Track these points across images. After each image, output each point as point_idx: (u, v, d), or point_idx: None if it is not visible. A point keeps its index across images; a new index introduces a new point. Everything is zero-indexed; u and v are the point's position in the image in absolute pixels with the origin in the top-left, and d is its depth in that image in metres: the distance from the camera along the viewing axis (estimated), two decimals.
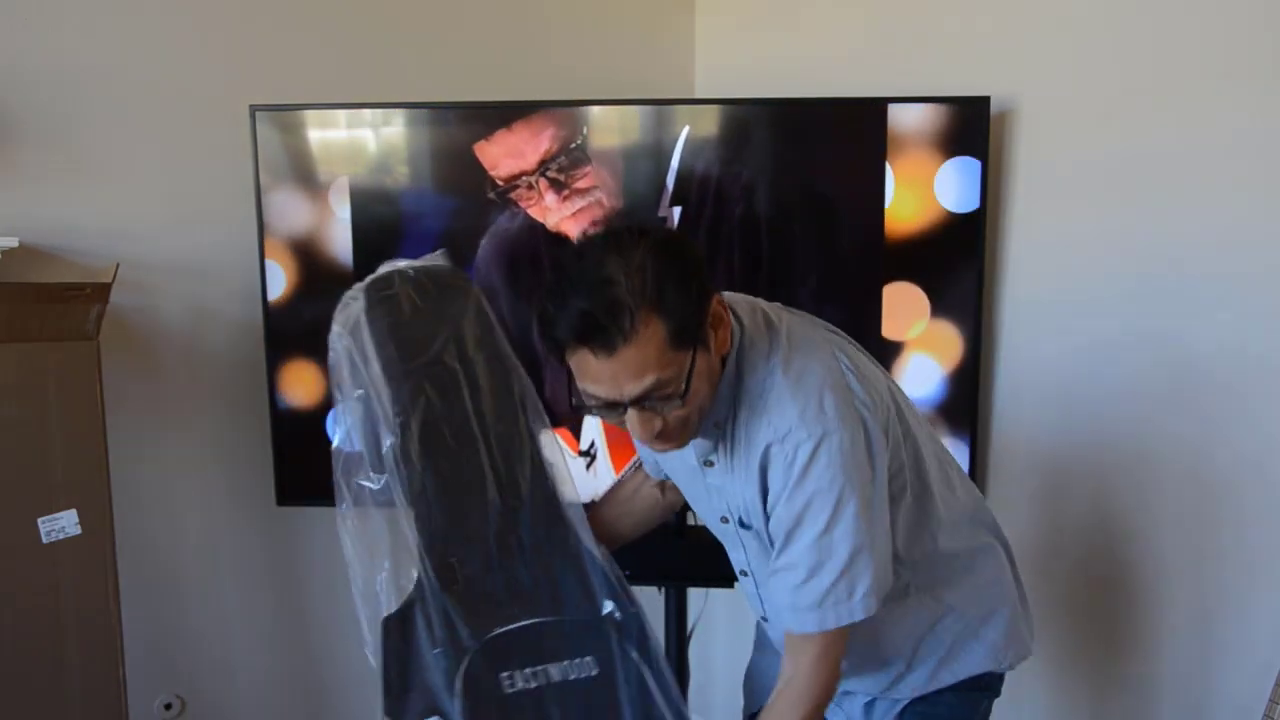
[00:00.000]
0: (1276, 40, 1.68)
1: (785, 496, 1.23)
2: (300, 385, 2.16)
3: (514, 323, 2.15)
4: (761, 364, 1.26)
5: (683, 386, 1.16)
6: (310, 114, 2.09)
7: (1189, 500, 1.86)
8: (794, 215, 2.11)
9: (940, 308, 2.06)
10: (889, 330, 2.07)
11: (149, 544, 2.18)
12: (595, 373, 1.15)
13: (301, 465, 2.16)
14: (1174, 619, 1.91)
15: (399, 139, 2.13)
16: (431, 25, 2.34)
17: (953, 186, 2.03)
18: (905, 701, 1.46)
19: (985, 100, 1.99)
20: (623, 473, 1.73)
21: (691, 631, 2.17)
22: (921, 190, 2.04)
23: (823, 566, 1.23)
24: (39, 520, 1.85)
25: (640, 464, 1.63)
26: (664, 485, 1.60)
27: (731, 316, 1.27)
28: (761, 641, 1.66)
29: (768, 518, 1.27)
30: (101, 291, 1.91)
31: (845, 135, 2.07)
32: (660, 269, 1.14)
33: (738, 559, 1.44)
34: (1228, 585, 1.83)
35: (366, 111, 2.11)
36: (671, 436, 1.23)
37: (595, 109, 2.10)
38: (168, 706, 2.27)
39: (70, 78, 2.04)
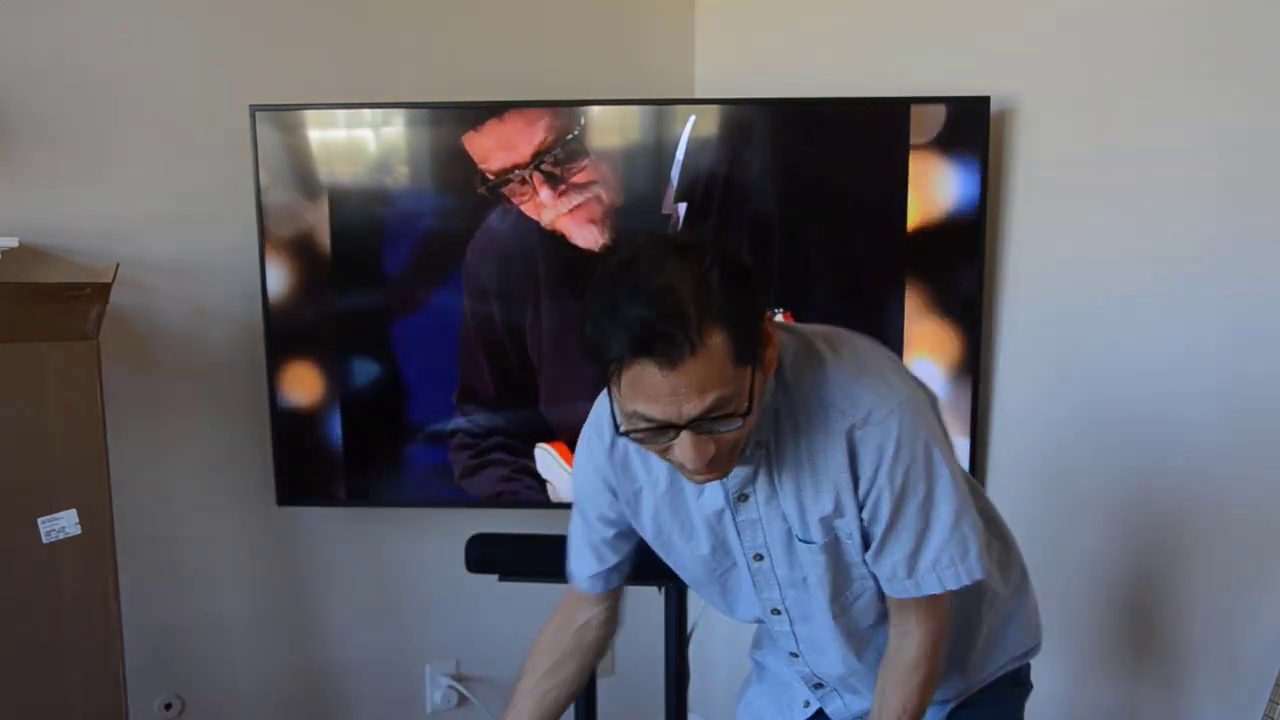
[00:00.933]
0: (1278, 40, 1.68)
1: (885, 474, 1.19)
2: (300, 385, 2.16)
3: (509, 323, 2.15)
4: (807, 369, 1.21)
5: (745, 404, 1.08)
6: (310, 114, 2.09)
7: (1191, 499, 1.86)
8: (794, 215, 2.11)
9: (940, 307, 2.06)
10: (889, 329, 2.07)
11: (149, 544, 2.18)
12: (654, 389, 1.04)
13: (301, 465, 2.17)
14: (1176, 618, 1.91)
15: (399, 139, 2.13)
16: (431, 25, 2.34)
17: (953, 186, 2.03)
18: (951, 705, 1.44)
19: (985, 100, 1.99)
20: (539, 634, 1.47)
21: (691, 631, 2.17)
22: (921, 190, 2.04)
23: (931, 530, 1.22)
24: (39, 520, 1.85)
25: (569, 597, 1.44)
26: (608, 600, 1.44)
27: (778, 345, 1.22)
28: (762, 674, 1.58)
29: (861, 506, 1.22)
30: (101, 291, 1.91)
31: (845, 135, 2.07)
32: (723, 279, 1.05)
33: (770, 598, 1.35)
34: (1230, 584, 1.82)
35: (366, 111, 2.11)
36: (719, 465, 1.14)
37: (595, 109, 2.10)
38: (168, 706, 2.27)
39: (70, 78, 2.04)
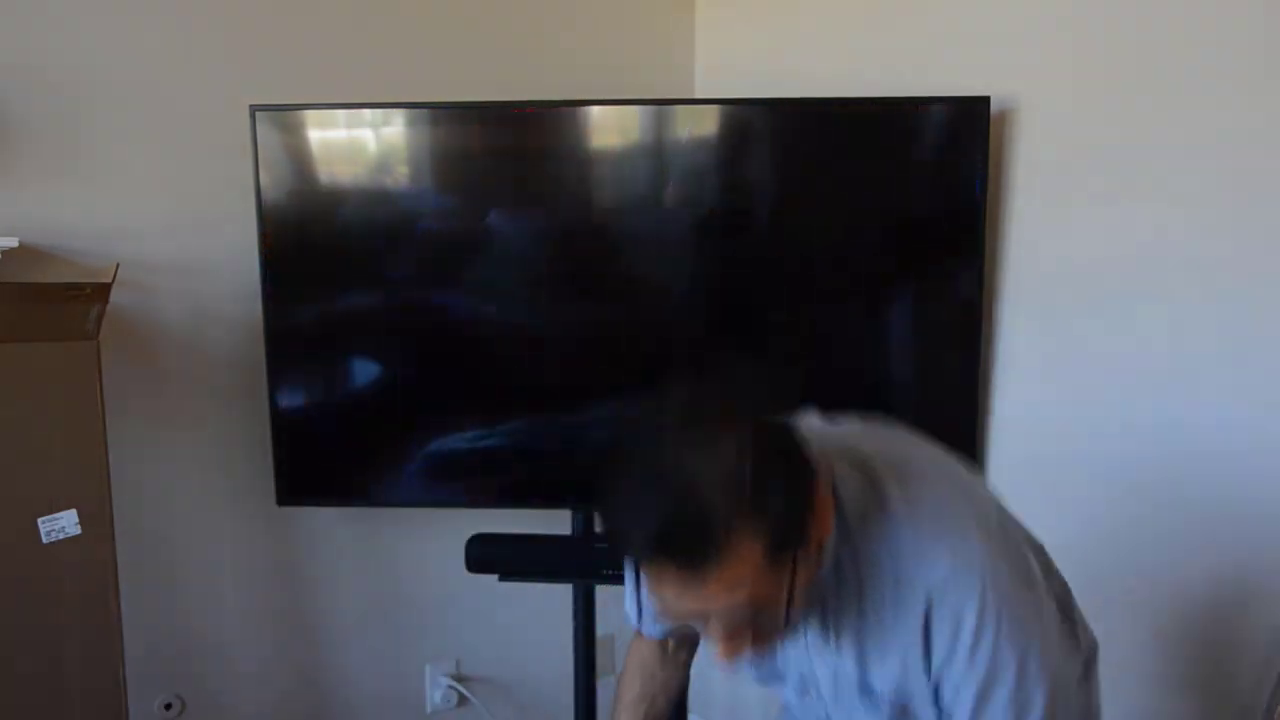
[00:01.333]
0: (1278, 39, 1.68)
1: (964, 659, 1.03)
2: (300, 385, 2.16)
3: (510, 324, 2.15)
4: (874, 514, 1.04)
5: (783, 611, 0.96)
6: (310, 114, 2.09)
7: (1191, 498, 1.86)
8: (794, 215, 2.11)
9: (940, 308, 2.06)
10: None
11: (149, 544, 2.18)
12: (677, 587, 0.94)
13: (301, 465, 2.16)
14: (1175, 618, 1.91)
15: (399, 139, 2.13)
16: (431, 25, 2.34)
17: (953, 186, 2.03)
18: None
19: (985, 100, 1.99)
20: (624, 665, 1.41)
21: None
22: (921, 190, 2.04)
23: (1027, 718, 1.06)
24: (39, 520, 1.85)
25: (638, 625, 1.35)
26: (672, 643, 1.37)
27: (837, 496, 1.05)
28: None
29: (936, 689, 1.08)
30: (101, 291, 1.91)
31: (845, 135, 2.07)
32: (758, 463, 0.92)
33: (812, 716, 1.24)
34: (1230, 583, 1.82)
35: (366, 111, 2.11)
36: (760, 651, 1.02)
37: (595, 109, 2.10)
38: (168, 706, 2.27)
39: (70, 78, 2.03)
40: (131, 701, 1.99)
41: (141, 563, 2.16)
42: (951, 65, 2.13)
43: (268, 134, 2.06)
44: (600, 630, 2.27)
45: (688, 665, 1.39)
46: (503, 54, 2.39)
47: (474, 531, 2.12)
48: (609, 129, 2.13)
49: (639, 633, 1.36)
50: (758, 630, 0.99)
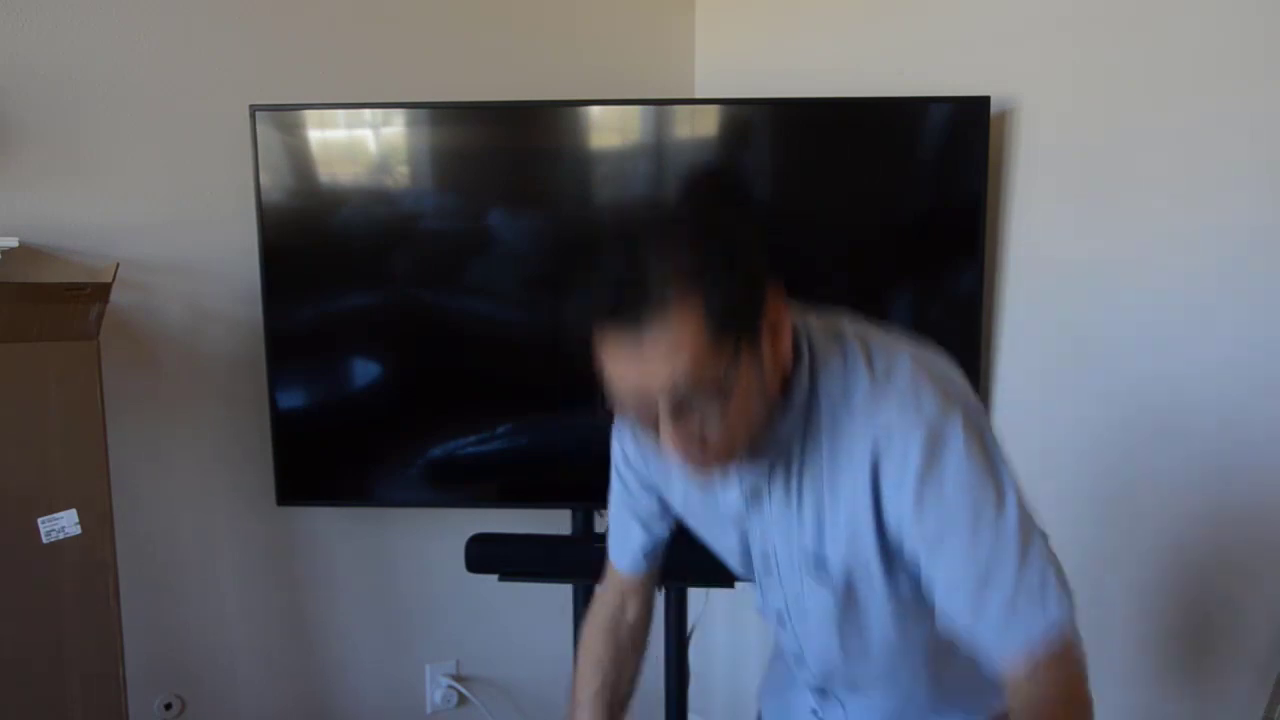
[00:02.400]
0: (1278, 38, 1.68)
1: (912, 504, 1.03)
2: (300, 385, 2.16)
3: (510, 323, 2.15)
4: (839, 371, 1.09)
5: (723, 383, 0.98)
6: (310, 114, 2.09)
7: (1192, 498, 1.86)
8: (794, 215, 2.11)
9: (941, 307, 2.06)
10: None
11: (149, 544, 2.18)
12: (623, 360, 0.98)
13: (301, 465, 2.16)
14: (1175, 617, 1.91)
15: (399, 139, 2.13)
16: (431, 25, 2.34)
17: (953, 186, 2.03)
18: None
19: (985, 100, 1.99)
20: (576, 662, 1.39)
21: (691, 632, 2.17)
22: (922, 190, 2.04)
23: (992, 572, 1.02)
24: (39, 520, 1.85)
25: (606, 578, 1.38)
26: (647, 586, 1.38)
27: (805, 339, 1.10)
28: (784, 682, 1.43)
29: (881, 533, 1.08)
30: (101, 291, 1.91)
31: (845, 135, 2.07)
32: (703, 241, 0.98)
33: (776, 608, 1.27)
34: (1230, 583, 1.82)
35: (366, 111, 2.11)
36: (712, 456, 1.04)
37: (595, 109, 2.10)
38: (168, 706, 2.27)
39: (70, 78, 2.04)
40: (131, 701, 1.99)
41: (141, 563, 2.16)
42: (951, 65, 2.13)
43: (268, 134, 2.07)
44: None
45: (643, 646, 1.40)
46: (503, 54, 2.39)
47: (474, 531, 2.12)
48: (609, 129, 2.13)
49: (609, 586, 1.39)
50: (707, 428, 1.01)
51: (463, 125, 2.12)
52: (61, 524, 1.87)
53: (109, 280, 1.93)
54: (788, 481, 1.13)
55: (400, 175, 2.15)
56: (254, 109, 2.06)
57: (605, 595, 1.39)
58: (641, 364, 0.97)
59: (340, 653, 2.44)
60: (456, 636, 2.52)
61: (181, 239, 2.15)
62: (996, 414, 2.14)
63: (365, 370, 2.17)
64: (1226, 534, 1.81)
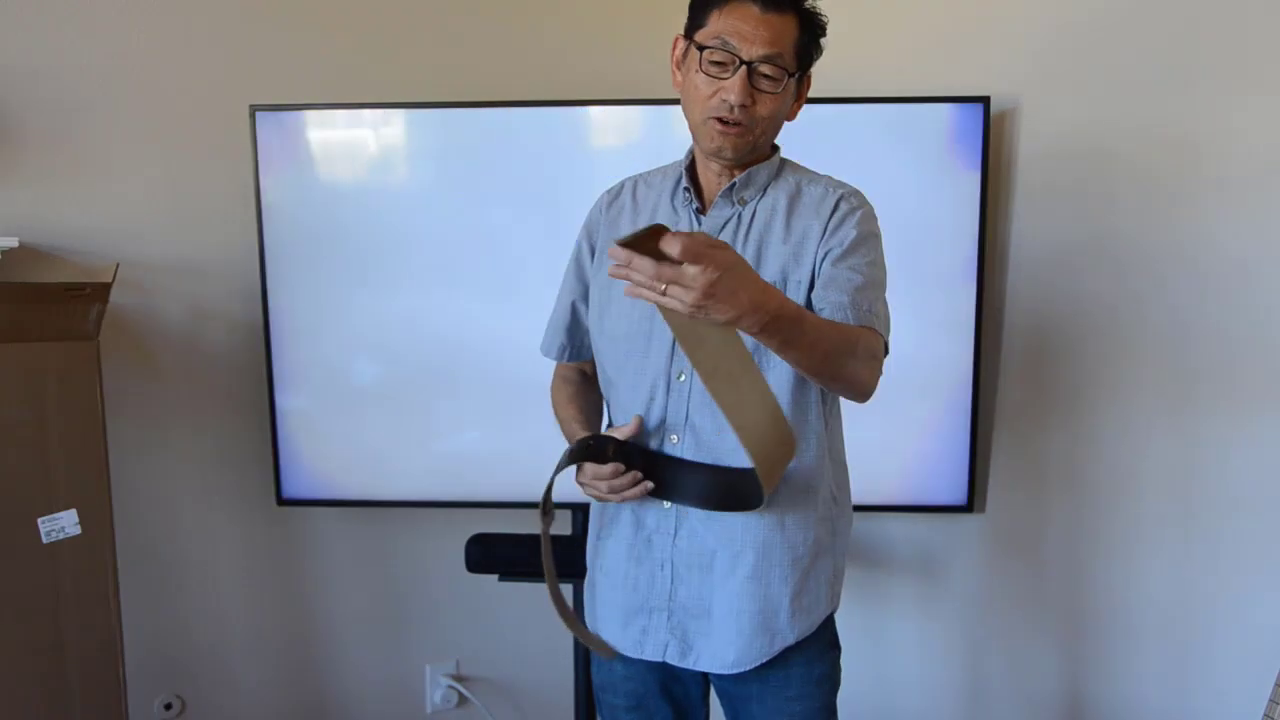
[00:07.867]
0: (1277, 39, 1.68)
1: (852, 228, 1.39)
2: (300, 385, 2.16)
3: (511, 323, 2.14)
4: (803, 169, 1.50)
5: (787, 72, 1.35)
6: (310, 114, 2.09)
7: (1196, 498, 1.86)
8: None
9: (941, 307, 2.06)
10: None
11: (149, 544, 2.18)
12: (745, 19, 1.34)
13: (302, 465, 2.17)
14: (1175, 617, 1.91)
15: (399, 139, 2.13)
16: (432, 25, 2.34)
17: (953, 186, 2.03)
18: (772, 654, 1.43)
19: (985, 100, 1.99)
20: (554, 383, 1.69)
21: None
22: (922, 190, 2.04)
23: (874, 285, 1.39)
24: (39, 520, 1.85)
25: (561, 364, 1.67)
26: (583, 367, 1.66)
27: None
28: (642, 552, 1.53)
29: (820, 254, 1.40)
30: (101, 291, 1.91)
31: (845, 135, 2.07)
32: (812, 8, 1.38)
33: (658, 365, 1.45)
34: (1230, 583, 1.83)
35: (366, 111, 2.11)
36: (750, 118, 1.38)
37: (595, 109, 2.10)
38: (168, 706, 2.27)
39: (70, 78, 2.04)
40: (131, 701, 1.99)
41: (141, 563, 2.16)
42: (951, 65, 2.13)
43: (268, 134, 2.07)
44: None
45: (595, 384, 1.62)
46: (502, 54, 2.39)
47: (474, 531, 2.12)
48: (609, 129, 2.13)
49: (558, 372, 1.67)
50: (758, 99, 1.37)
51: (462, 125, 2.12)
52: (61, 524, 1.87)
53: (109, 280, 1.93)
54: (745, 227, 1.44)
55: (400, 175, 2.15)
56: (254, 109, 2.06)
57: (558, 366, 1.68)
58: (755, 29, 1.35)
59: (340, 653, 2.44)
60: (456, 636, 2.52)
61: (181, 239, 2.15)
62: (997, 413, 2.15)
63: (365, 370, 2.17)
64: (1228, 532, 1.82)
